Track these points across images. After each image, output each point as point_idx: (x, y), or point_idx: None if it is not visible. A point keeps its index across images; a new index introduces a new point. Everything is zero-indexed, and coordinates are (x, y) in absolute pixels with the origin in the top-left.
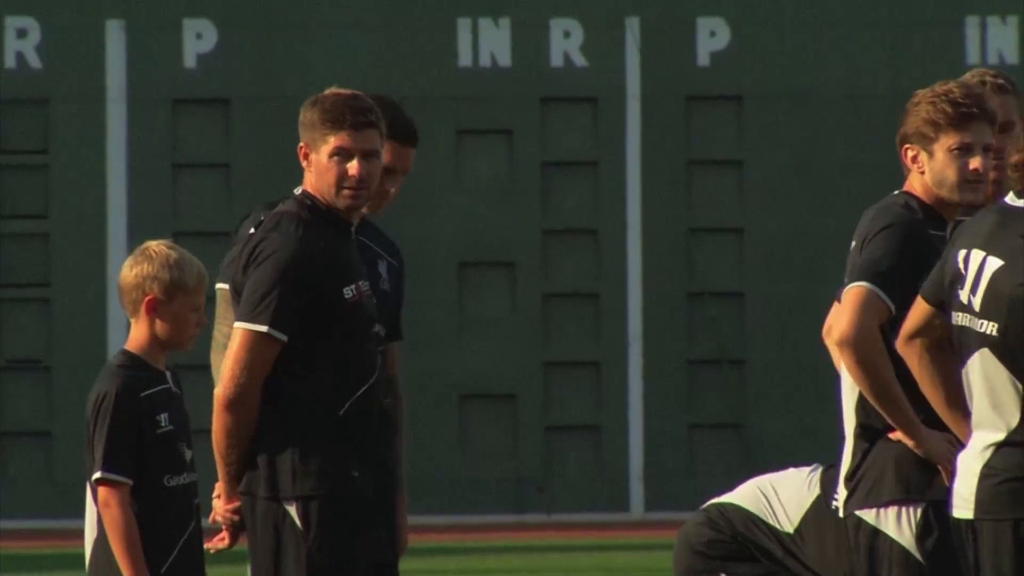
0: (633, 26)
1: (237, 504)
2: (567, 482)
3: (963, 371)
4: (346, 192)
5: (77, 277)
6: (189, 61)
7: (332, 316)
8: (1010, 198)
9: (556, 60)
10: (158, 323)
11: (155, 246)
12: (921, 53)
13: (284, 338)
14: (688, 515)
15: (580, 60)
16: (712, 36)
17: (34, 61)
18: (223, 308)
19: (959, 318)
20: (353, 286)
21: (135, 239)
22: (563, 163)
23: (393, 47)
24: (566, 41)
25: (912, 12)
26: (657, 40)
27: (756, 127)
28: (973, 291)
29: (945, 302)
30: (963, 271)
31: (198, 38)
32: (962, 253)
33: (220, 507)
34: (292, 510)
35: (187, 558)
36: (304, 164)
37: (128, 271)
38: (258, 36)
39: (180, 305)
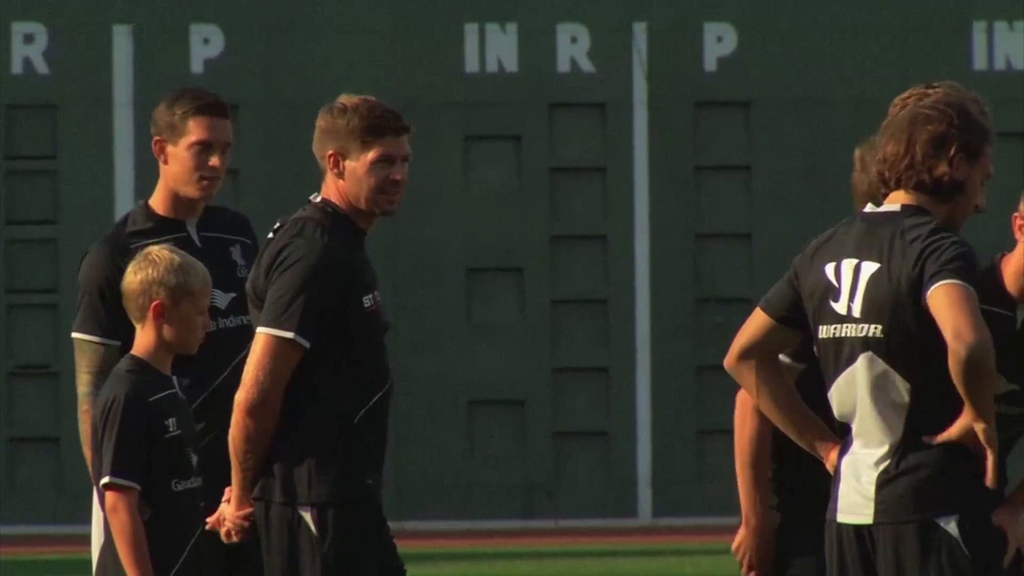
0: (639, 33)
1: (249, 510)
2: (575, 488)
3: (837, 382)
4: (385, 198)
5: None
6: (196, 66)
7: (351, 324)
8: (869, 207)
9: (563, 66)
10: (165, 328)
11: (156, 251)
12: (928, 58)
13: (308, 344)
14: (696, 521)
15: (587, 66)
16: (719, 41)
17: (41, 66)
18: (81, 357)
19: (835, 330)
20: (371, 295)
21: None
22: (571, 169)
23: (401, 52)
24: (573, 46)
25: (919, 17)
26: (664, 45)
27: (764, 132)
28: (851, 298)
29: (811, 318)
30: (836, 283)
31: (205, 43)
32: (831, 266)
33: (230, 512)
34: (308, 516)
35: (194, 563)
36: (332, 172)
37: (132, 277)
38: (266, 41)
39: (187, 309)
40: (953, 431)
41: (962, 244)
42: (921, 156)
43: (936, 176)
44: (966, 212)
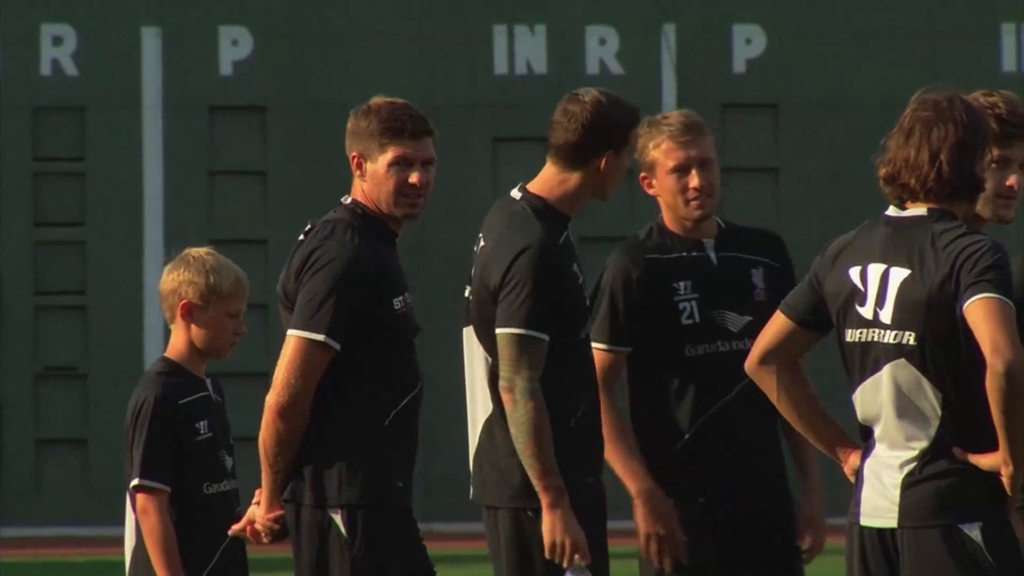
0: (668, 35)
1: (280, 513)
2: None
3: (862, 386)
4: (405, 201)
5: (113, 285)
6: (225, 68)
7: (382, 326)
8: (892, 211)
9: (592, 67)
10: (194, 329)
11: (195, 252)
12: (957, 60)
13: (338, 347)
14: None
15: (616, 67)
16: (748, 43)
17: (70, 68)
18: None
19: (861, 334)
20: (401, 297)
21: (171, 247)
22: None
23: (429, 54)
24: (602, 48)
25: (948, 19)
26: (693, 47)
27: (792, 135)
28: (880, 304)
29: (834, 321)
30: (862, 287)
31: (234, 45)
32: (855, 270)
33: (260, 514)
34: (337, 518)
35: (227, 566)
36: (356, 173)
37: (166, 276)
38: (294, 43)
39: (216, 311)
40: (982, 461)
41: (996, 250)
42: (948, 166)
43: (965, 181)
44: (975, 206)
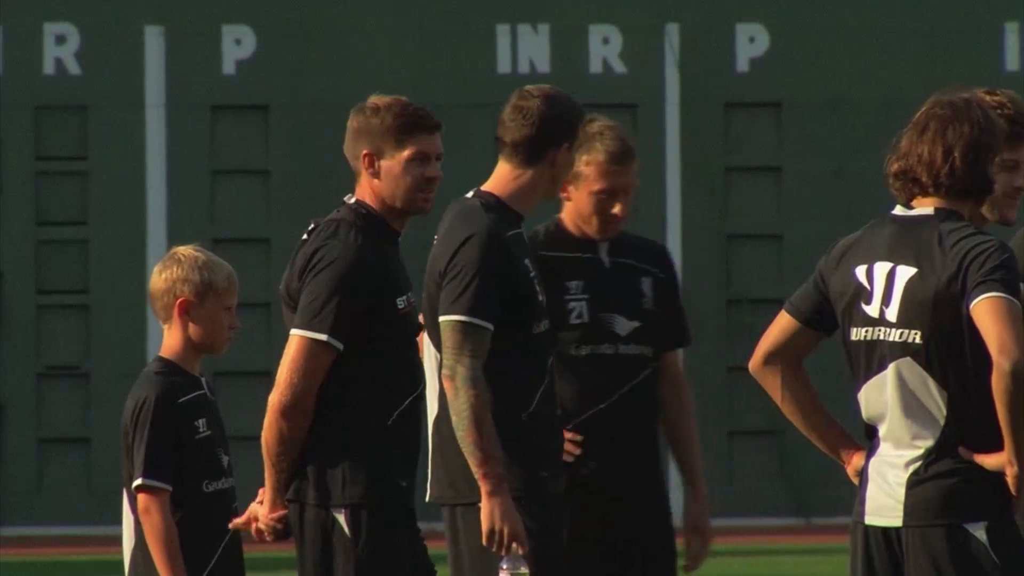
0: (672, 34)
1: (283, 512)
2: None
3: (867, 385)
4: (422, 196)
5: (116, 284)
6: (228, 67)
7: (384, 326)
8: (899, 210)
9: (595, 66)
10: (191, 327)
11: (183, 250)
12: (960, 60)
13: (341, 347)
14: (727, 522)
15: (619, 66)
16: (751, 42)
17: (73, 67)
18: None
19: (866, 333)
20: (404, 297)
21: (174, 245)
22: None
23: (432, 54)
24: (605, 47)
25: (951, 18)
26: (696, 46)
27: (795, 134)
28: (886, 302)
29: (840, 320)
30: (868, 285)
31: (237, 44)
32: (861, 268)
33: (263, 514)
34: (341, 518)
35: (227, 563)
36: (368, 172)
37: (158, 277)
38: (297, 43)
39: (212, 307)
40: (987, 461)
41: (1003, 250)
42: (962, 163)
43: (977, 180)
44: (981, 207)
